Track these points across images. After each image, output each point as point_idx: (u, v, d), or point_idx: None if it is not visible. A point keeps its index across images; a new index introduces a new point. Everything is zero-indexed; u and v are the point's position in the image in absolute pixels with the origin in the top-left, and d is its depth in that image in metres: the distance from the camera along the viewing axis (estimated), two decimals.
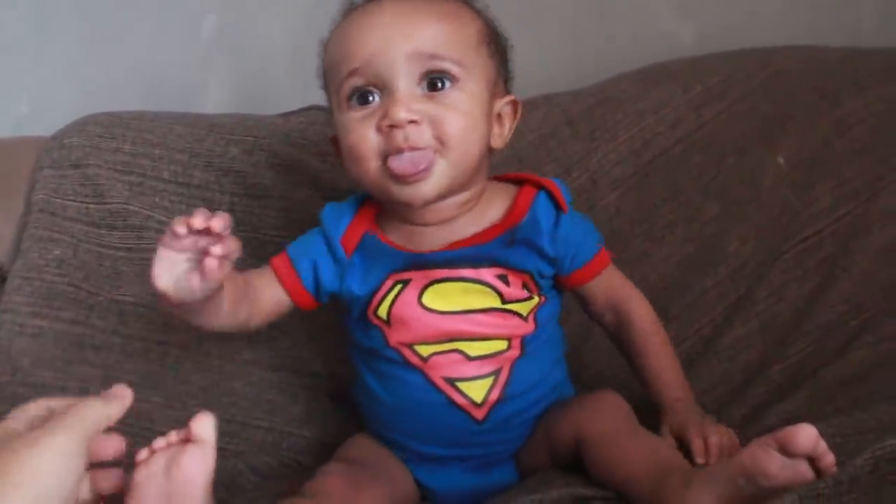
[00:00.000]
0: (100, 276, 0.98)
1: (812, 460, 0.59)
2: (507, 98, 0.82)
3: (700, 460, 0.74)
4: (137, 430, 0.89)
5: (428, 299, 0.78)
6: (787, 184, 1.06)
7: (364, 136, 0.75)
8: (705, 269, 1.03)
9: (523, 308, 0.80)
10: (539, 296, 0.81)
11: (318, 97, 1.18)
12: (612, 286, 0.86)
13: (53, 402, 0.61)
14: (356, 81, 0.76)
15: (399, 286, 0.79)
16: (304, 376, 0.99)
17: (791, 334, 0.98)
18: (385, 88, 0.76)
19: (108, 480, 0.61)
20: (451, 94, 0.76)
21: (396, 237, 0.81)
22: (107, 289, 0.98)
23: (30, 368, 0.90)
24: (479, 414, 0.79)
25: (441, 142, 0.75)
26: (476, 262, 0.78)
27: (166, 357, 0.97)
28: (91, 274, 0.98)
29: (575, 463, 0.77)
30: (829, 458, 0.59)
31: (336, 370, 0.99)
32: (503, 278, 0.79)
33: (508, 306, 0.79)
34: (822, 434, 0.60)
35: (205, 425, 0.59)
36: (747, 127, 1.10)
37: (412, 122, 0.73)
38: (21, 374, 0.90)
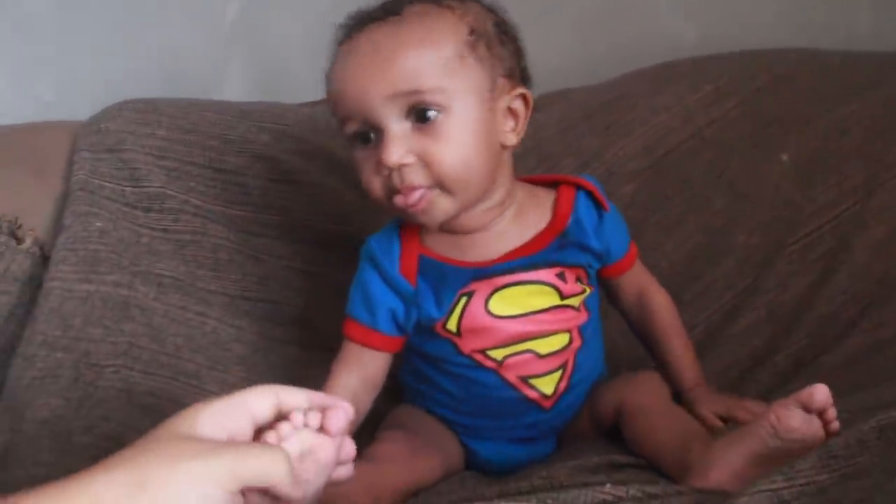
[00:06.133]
0: (137, 251, 1.02)
1: (825, 424, 0.68)
2: (515, 92, 0.79)
3: None
4: (186, 387, 0.95)
5: (494, 306, 0.81)
6: (791, 180, 1.11)
7: (370, 178, 0.77)
8: (714, 258, 1.09)
9: (577, 300, 0.84)
10: (589, 286, 0.85)
11: None
12: (639, 278, 0.92)
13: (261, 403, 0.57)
14: (352, 126, 0.77)
15: (464, 299, 0.81)
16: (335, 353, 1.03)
17: (794, 323, 1.03)
18: (377, 129, 0.75)
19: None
20: (440, 125, 0.74)
21: (448, 250, 0.82)
22: (145, 262, 1.01)
23: (81, 326, 0.93)
24: (548, 404, 0.84)
25: (436, 180, 0.75)
26: (535, 266, 0.81)
27: (205, 326, 1.01)
28: (129, 247, 1.01)
29: (613, 434, 0.84)
30: (836, 424, 0.68)
31: None
32: (561, 276, 0.82)
33: (565, 301, 0.83)
34: None
35: (339, 420, 0.58)
36: (753, 125, 1.15)
37: (403, 164, 0.74)
38: (73, 331, 0.92)
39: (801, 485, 0.63)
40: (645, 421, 0.80)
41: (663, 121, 1.15)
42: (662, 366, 0.91)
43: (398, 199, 0.75)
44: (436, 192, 0.75)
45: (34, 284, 0.98)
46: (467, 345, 0.82)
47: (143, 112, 1.08)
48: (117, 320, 0.95)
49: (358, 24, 0.78)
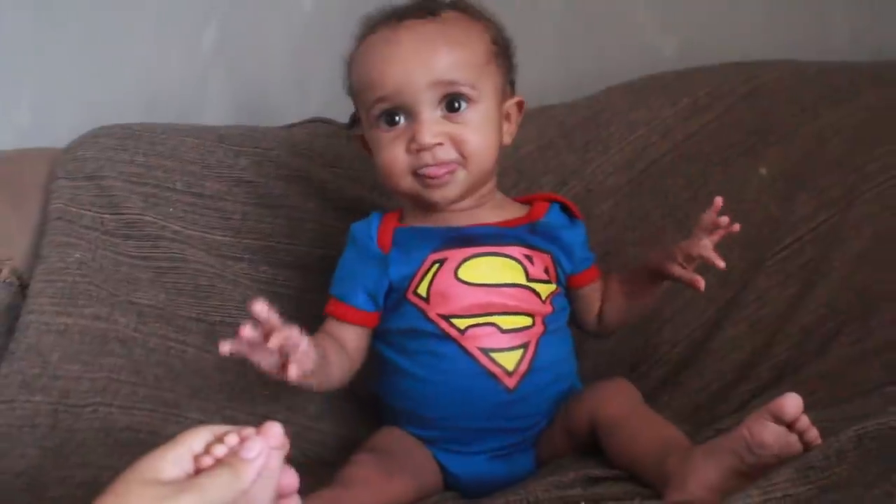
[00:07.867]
0: (117, 280, 1.02)
1: (800, 435, 0.67)
2: (514, 99, 0.94)
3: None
4: (166, 415, 0.95)
5: (463, 273, 0.88)
6: (770, 193, 1.11)
7: (395, 156, 0.88)
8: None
9: (543, 290, 0.89)
10: (556, 284, 0.91)
11: (316, 108, 1.24)
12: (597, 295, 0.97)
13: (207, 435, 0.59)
14: (383, 106, 0.88)
15: (437, 265, 0.88)
16: None
17: (776, 336, 1.03)
18: (409, 113, 0.87)
19: None
20: (467, 114, 0.87)
21: (425, 223, 0.91)
22: (124, 292, 1.01)
23: (58, 362, 0.94)
24: (511, 383, 0.86)
25: (463, 156, 0.87)
26: (505, 241, 0.89)
27: (185, 354, 1.01)
28: (109, 277, 1.01)
29: (591, 448, 0.83)
30: (813, 432, 0.68)
31: None
32: (529, 258, 0.89)
33: (531, 284, 0.89)
34: (813, 420, 0.68)
35: (273, 432, 0.59)
36: (732, 138, 1.15)
37: (437, 144, 0.86)
38: (51, 368, 0.93)
39: (778, 498, 0.63)
40: (622, 432, 0.80)
41: (641, 135, 1.15)
42: (631, 284, 0.95)
43: (429, 170, 0.86)
44: (459, 168, 0.87)
45: (12, 315, 0.98)
46: (433, 309, 0.87)
47: (121, 138, 1.09)
48: (96, 354, 0.95)
49: (394, 19, 0.89)
